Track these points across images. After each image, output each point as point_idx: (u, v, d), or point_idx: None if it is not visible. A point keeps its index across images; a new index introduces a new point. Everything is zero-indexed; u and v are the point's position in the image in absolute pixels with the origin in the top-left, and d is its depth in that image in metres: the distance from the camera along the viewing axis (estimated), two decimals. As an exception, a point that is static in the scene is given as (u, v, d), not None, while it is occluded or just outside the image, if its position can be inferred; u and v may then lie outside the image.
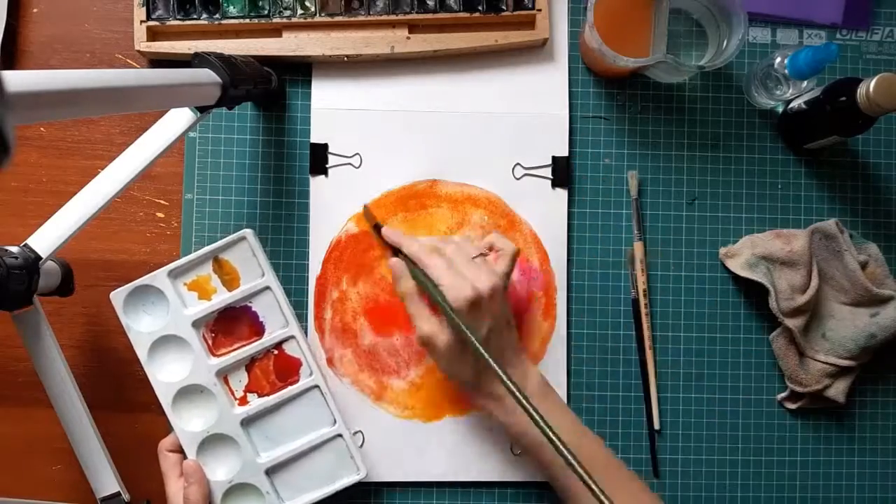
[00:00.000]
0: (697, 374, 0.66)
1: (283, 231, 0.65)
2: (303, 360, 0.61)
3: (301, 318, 0.64)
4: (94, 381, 0.63)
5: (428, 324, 0.56)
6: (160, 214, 0.65)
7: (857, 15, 0.68)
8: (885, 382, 0.67)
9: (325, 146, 0.65)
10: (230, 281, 0.61)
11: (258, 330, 0.61)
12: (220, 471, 0.60)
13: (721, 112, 0.67)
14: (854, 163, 0.68)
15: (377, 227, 0.63)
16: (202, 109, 0.54)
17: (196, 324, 0.60)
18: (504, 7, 0.64)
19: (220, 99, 0.52)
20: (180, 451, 0.60)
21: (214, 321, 0.61)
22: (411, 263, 0.58)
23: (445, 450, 0.64)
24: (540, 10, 0.64)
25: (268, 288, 0.61)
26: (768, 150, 0.67)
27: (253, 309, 0.61)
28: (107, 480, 0.56)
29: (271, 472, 0.60)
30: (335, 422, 0.61)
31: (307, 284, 0.64)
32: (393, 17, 0.63)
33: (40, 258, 0.52)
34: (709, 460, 0.65)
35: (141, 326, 0.60)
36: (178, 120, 0.55)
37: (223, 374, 0.61)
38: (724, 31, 0.63)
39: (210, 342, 0.61)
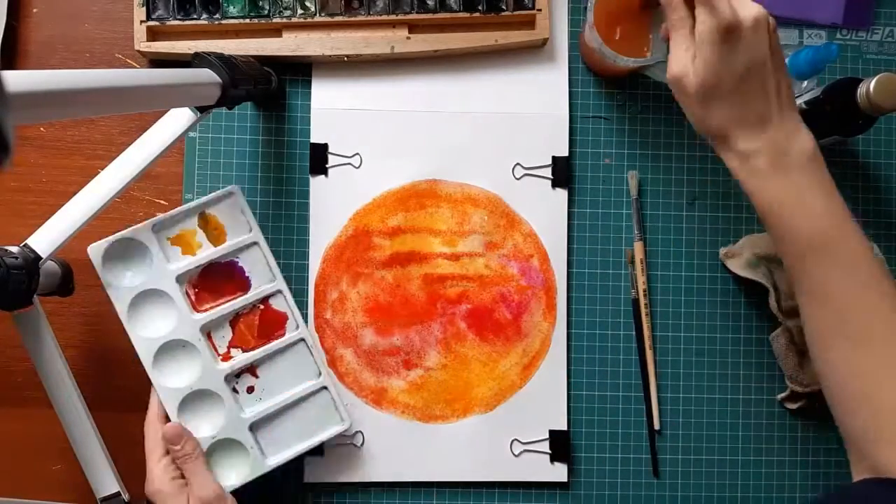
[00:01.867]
0: (697, 374, 0.66)
1: (283, 231, 0.65)
2: (289, 315, 0.61)
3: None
4: (94, 381, 0.63)
5: (678, 61, 0.50)
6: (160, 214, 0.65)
7: (857, 15, 0.68)
8: (885, 382, 0.67)
9: (325, 146, 0.65)
10: (216, 236, 0.61)
11: (244, 285, 0.61)
12: (204, 427, 0.59)
13: (721, 112, 0.67)
14: (854, 163, 0.67)
15: None
16: (202, 109, 0.54)
17: (180, 279, 0.59)
18: (504, 7, 0.64)
19: (220, 99, 0.52)
20: (167, 421, 0.59)
21: (198, 276, 0.60)
22: None
23: (446, 450, 0.64)
24: (540, 10, 0.64)
25: (255, 244, 0.61)
26: (768, 150, 0.67)
27: (240, 264, 0.61)
28: (107, 480, 0.56)
29: (255, 427, 0.60)
30: (320, 374, 0.61)
31: (307, 284, 0.64)
32: (393, 17, 0.63)
33: (40, 258, 0.52)
34: (709, 460, 0.65)
35: (122, 282, 0.59)
36: (178, 120, 0.55)
37: (207, 330, 0.60)
38: (724, 31, 0.63)
39: (193, 298, 0.60)
